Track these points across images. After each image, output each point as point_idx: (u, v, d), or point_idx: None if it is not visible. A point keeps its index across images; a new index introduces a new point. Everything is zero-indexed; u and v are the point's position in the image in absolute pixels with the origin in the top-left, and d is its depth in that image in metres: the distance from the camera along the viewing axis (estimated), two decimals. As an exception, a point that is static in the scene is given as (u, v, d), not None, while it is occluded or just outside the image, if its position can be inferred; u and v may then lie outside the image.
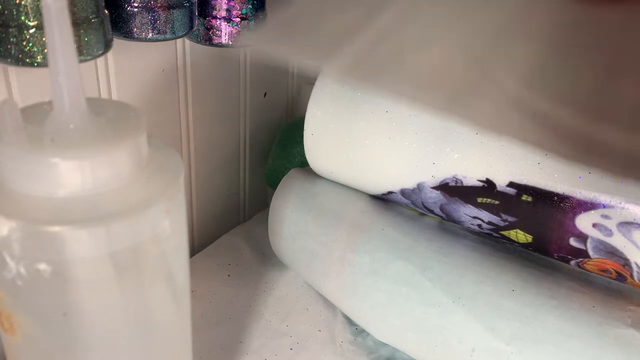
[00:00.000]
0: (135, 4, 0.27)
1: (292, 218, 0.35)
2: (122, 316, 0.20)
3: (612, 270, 0.28)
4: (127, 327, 0.20)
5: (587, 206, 0.27)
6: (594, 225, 0.27)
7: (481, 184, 0.29)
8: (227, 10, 0.32)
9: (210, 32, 0.32)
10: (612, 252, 0.27)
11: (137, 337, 0.21)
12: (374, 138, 0.31)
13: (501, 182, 0.28)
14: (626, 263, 0.27)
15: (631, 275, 0.28)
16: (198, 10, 0.31)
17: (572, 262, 0.29)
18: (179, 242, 0.21)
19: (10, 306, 0.19)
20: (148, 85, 0.35)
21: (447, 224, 0.33)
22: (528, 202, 0.28)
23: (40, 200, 0.17)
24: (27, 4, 0.22)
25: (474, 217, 0.30)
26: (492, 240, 0.32)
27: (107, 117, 0.19)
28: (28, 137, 0.17)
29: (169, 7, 0.28)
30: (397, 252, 0.32)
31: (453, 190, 0.30)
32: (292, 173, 0.38)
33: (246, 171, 0.47)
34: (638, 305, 0.28)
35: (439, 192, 0.30)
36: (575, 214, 0.27)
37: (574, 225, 0.27)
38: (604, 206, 0.26)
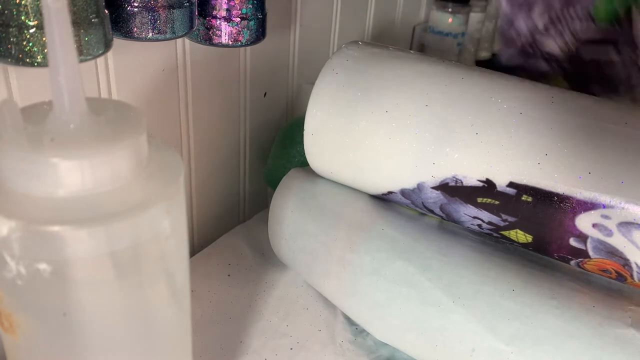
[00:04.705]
0: (135, 4, 0.27)
1: (292, 218, 0.35)
2: (122, 316, 0.20)
3: (612, 270, 0.28)
4: (127, 327, 0.20)
5: (587, 206, 0.27)
6: (594, 225, 0.27)
7: (481, 184, 0.29)
8: (227, 10, 0.32)
9: (210, 32, 0.32)
10: (612, 252, 0.27)
11: (137, 337, 0.21)
12: (374, 138, 0.31)
13: (501, 182, 0.28)
14: (626, 263, 0.27)
15: (631, 275, 0.28)
16: (198, 10, 0.31)
17: (572, 262, 0.29)
18: (179, 242, 0.21)
19: (10, 306, 0.19)
20: (148, 85, 0.35)
21: (447, 224, 0.33)
22: (528, 202, 0.28)
23: (40, 200, 0.17)
24: (27, 4, 0.22)
25: (474, 217, 0.30)
26: (492, 240, 0.32)
27: (107, 117, 0.19)
28: (28, 137, 0.17)
29: (169, 7, 0.28)
30: (397, 252, 0.32)
31: (453, 190, 0.30)
32: (292, 173, 0.38)
33: (246, 171, 0.47)
34: (638, 305, 0.28)
35: (439, 192, 0.30)
36: (575, 214, 0.27)
37: (574, 225, 0.27)
38: (604, 206, 0.26)
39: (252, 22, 0.33)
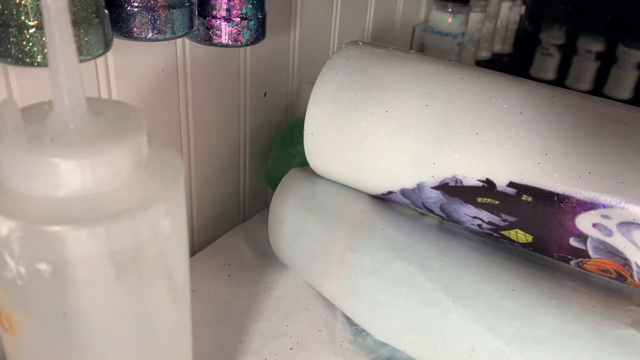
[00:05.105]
0: (135, 4, 0.27)
1: (292, 218, 0.35)
2: (122, 316, 0.20)
3: (612, 270, 0.28)
4: (127, 327, 0.20)
5: (587, 206, 0.27)
6: (594, 225, 0.27)
7: (481, 184, 0.29)
8: (227, 10, 0.32)
9: (210, 32, 0.32)
10: (612, 252, 0.27)
11: (137, 337, 0.21)
12: (374, 138, 0.31)
13: (501, 182, 0.28)
14: (626, 263, 0.27)
15: (631, 275, 0.28)
16: (198, 10, 0.31)
17: (572, 262, 0.29)
18: (179, 242, 0.21)
19: (10, 306, 0.19)
20: (148, 85, 0.35)
21: (447, 224, 0.33)
22: (528, 202, 0.28)
23: (40, 200, 0.17)
24: (27, 3, 0.22)
25: (474, 217, 0.30)
26: (492, 240, 0.32)
27: (107, 117, 0.19)
28: (28, 137, 0.17)
29: (169, 7, 0.28)
30: (397, 252, 0.32)
31: (453, 190, 0.30)
32: (292, 173, 0.38)
33: (246, 171, 0.47)
34: (638, 305, 0.28)
35: (439, 192, 0.30)
36: (575, 214, 0.27)
37: (574, 225, 0.27)
38: (604, 206, 0.26)
39: (252, 22, 0.33)
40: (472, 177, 0.29)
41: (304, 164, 0.42)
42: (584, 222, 0.27)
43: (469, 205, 0.30)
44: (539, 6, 0.99)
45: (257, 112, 0.45)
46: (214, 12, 0.32)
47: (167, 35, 0.28)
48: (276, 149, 0.45)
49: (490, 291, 0.29)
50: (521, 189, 0.28)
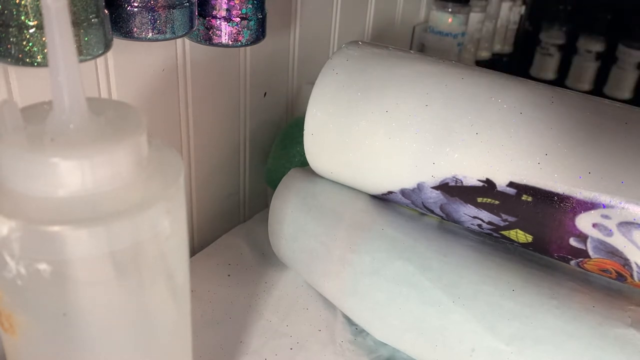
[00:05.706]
0: (135, 4, 0.27)
1: (292, 218, 0.35)
2: (122, 316, 0.20)
3: (612, 270, 0.28)
4: (127, 327, 0.20)
5: (587, 206, 0.27)
6: (594, 225, 0.27)
7: (481, 184, 0.29)
8: (227, 10, 0.32)
9: (210, 32, 0.32)
10: (612, 252, 0.27)
11: (137, 337, 0.21)
12: (374, 138, 0.31)
13: (501, 182, 0.28)
14: (626, 263, 0.27)
15: (631, 275, 0.28)
16: (198, 10, 0.31)
17: (572, 262, 0.29)
18: (179, 242, 0.21)
19: (10, 306, 0.19)
20: (148, 85, 0.35)
21: (447, 224, 0.33)
22: (528, 202, 0.28)
23: (40, 200, 0.17)
24: (27, 4, 0.22)
25: (474, 217, 0.30)
26: (492, 240, 0.32)
27: (107, 117, 0.19)
28: (28, 137, 0.17)
29: (169, 7, 0.28)
30: (397, 252, 0.32)
31: (453, 190, 0.30)
32: (292, 173, 0.38)
33: (246, 171, 0.47)
34: (638, 305, 0.28)
35: (439, 192, 0.30)
36: (575, 214, 0.27)
37: (574, 225, 0.27)
38: (604, 206, 0.26)
39: (252, 22, 0.33)
40: (472, 177, 0.29)
41: (304, 164, 0.42)
42: (584, 222, 0.27)
43: (469, 205, 0.30)
44: (539, 6, 0.99)
45: (257, 112, 0.45)
46: (214, 12, 0.32)
47: (167, 35, 0.28)
48: (276, 149, 0.45)
49: (490, 291, 0.29)
50: (521, 189, 0.28)
